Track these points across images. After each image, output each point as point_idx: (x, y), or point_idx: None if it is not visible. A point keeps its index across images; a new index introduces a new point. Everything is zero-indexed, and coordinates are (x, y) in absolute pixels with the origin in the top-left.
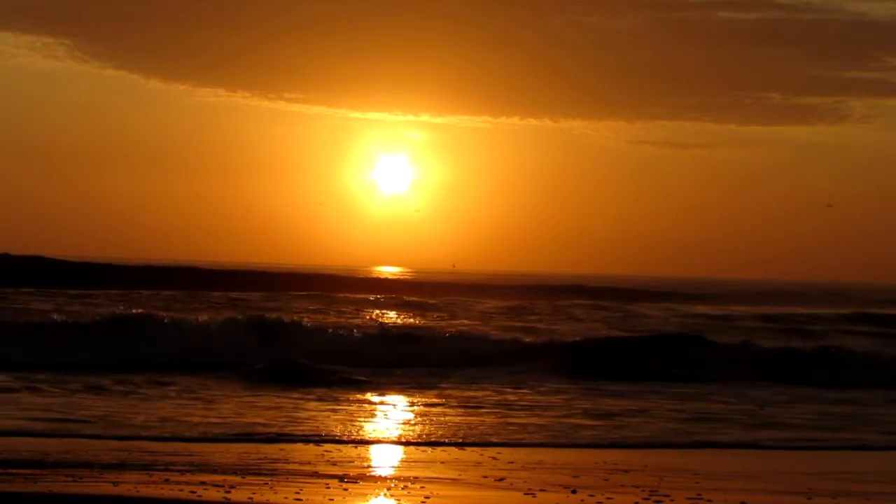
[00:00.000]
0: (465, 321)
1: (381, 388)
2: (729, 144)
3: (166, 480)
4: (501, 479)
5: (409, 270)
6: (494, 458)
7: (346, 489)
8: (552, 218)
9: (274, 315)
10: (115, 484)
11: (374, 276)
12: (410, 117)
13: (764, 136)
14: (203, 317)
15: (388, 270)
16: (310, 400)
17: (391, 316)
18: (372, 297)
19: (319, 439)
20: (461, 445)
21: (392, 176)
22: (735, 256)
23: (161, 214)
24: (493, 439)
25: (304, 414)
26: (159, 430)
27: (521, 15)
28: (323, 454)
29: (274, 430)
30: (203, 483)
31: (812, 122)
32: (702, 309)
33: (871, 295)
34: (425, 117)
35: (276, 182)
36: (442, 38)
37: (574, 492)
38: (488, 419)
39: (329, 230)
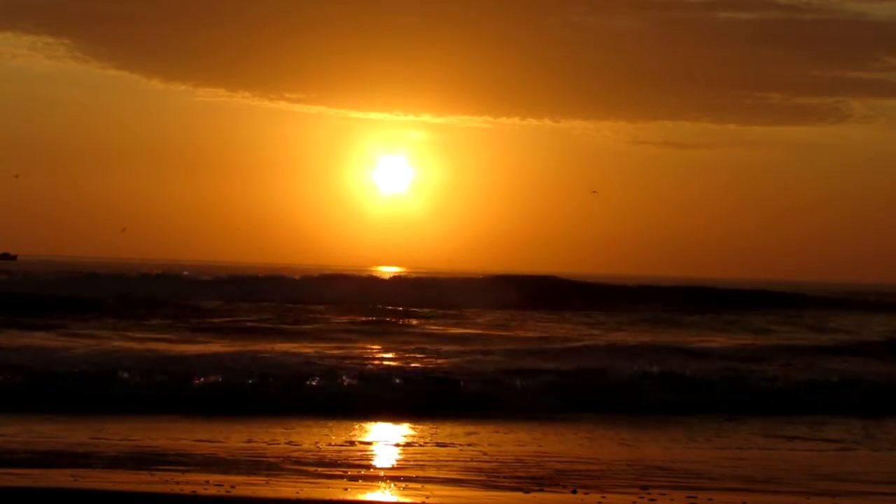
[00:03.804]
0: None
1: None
2: (729, 144)
3: (166, 481)
4: (501, 478)
5: (410, 270)
6: (494, 458)
7: (346, 489)
8: (552, 218)
9: None
10: (116, 483)
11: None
12: (411, 117)
13: (764, 136)
14: None
15: (390, 270)
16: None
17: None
18: None
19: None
20: (461, 447)
21: (392, 176)
22: (735, 256)
23: (161, 214)
24: (492, 441)
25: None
26: None
27: (521, 15)
28: (323, 454)
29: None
30: (206, 482)
31: (812, 122)
32: None
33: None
34: (425, 117)
35: (276, 182)
36: (442, 38)
37: (574, 491)
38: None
39: (329, 230)
